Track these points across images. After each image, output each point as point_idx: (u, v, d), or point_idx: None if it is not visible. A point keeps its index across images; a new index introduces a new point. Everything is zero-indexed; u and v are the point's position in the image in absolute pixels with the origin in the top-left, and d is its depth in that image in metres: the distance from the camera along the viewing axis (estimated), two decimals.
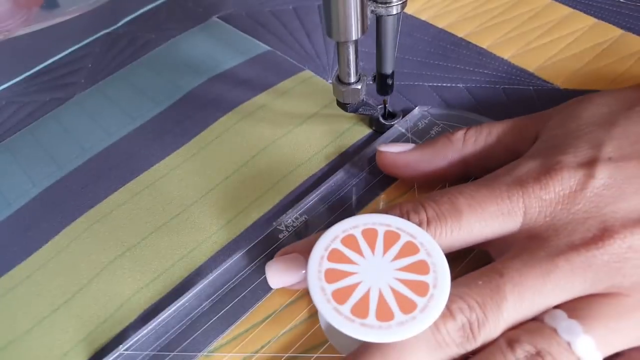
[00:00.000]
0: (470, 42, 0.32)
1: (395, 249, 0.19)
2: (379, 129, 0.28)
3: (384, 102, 0.28)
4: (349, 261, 0.19)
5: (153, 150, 0.29)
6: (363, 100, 0.26)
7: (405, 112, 0.28)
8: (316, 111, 0.29)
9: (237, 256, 0.23)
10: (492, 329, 0.18)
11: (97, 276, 0.24)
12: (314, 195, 0.25)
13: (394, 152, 0.24)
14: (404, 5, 0.24)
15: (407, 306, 0.18)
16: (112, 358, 0.21)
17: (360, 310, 0.18)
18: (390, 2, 0.23)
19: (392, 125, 0.28)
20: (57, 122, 0.32)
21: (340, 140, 0.28)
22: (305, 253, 0.21)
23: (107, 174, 0.28)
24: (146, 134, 0.30)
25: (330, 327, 0.21)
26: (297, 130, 0.29)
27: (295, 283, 0.21)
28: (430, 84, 0.30)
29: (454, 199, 0.20)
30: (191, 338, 0.21)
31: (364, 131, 0.28)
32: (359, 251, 0.19)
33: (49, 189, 0.28)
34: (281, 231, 0.24)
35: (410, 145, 0.24)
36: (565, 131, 0.21)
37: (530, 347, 0.17)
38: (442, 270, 0.18)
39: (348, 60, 0.24)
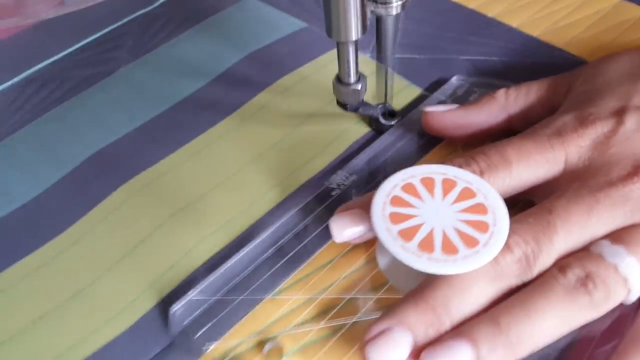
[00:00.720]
0: (500, 22, 0.34)
1: (453, 194, 0.21)
2: (378, 129, 0.29)
3: (384, 102, 0.28)
4: (411, 205, 0.20)
5: (214, 112, 0.30)
6: (363, 100, 0.26)
7: (442, 82, 0.30)
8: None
9: (294, 210, 0.25)
10: (546, 260, 0.20)
11: (159, 228, 0.25)
12: (362, 155, 0.27)
13: (440, 111, 0.26)
14: (404, 5, 0.24)
15: (470, 242, 0.19)
16: (182, 303, 0.22)
17: (426, 246, 0.19)
18: (390, 3, 0.24)
19: (391, 125, 0.28)
20: (104, 92, 0.33)
21: None
22: (366, 208, 0.22)
23: (162, 137, 0.29)
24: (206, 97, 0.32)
25: (391, 268, 0.22)
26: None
27: (358, 237, 0.23)
28: (465, 57, 0.32)
29: (502, 150, 0.22)
30: (256, 283, 0.23)
31: None
32: (419, 196, 0.21)
33: (101, 151, 0.29)
34: (333, 189, 0.26)
35: (454, 106, 0.26)
36: (594, 86, 0.24)
37: (579, 271, 0.19)
38: (500, 210, 0.20)
39: (348, 60, 0.24)
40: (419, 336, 0.19)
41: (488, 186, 0.21)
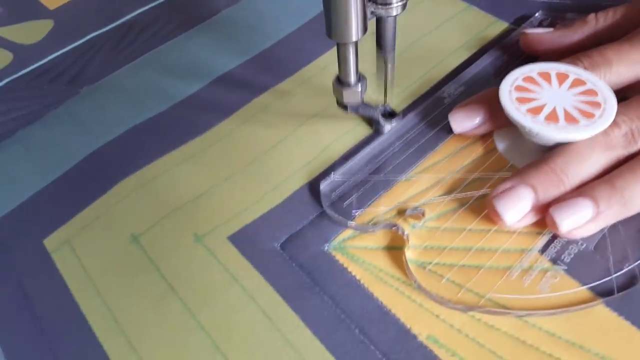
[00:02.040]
0: None
1: (567, 82, 0.25)
2: (378, 130, 0.29)
3: (384, 103, 0.29)
4: (533, 91, 0.25)
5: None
6: (363, 100, 0.27)
7: (526, 17, 0.34)
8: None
9: (412, 113, 0.29)
10: None
11: (300, 127, 0.30)
12: (469, 69, 0.31)
13: (539, 32, 0.30)
14: (404, 6, 0.24)
15: (588, 115, 0.23)
16: (327, 182, 0.26)
17: (552, 118, 0.23)
18: (390, 4, 0.24)
19: (392, 126, 0.29)
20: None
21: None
22: (482, 102, 0.27)
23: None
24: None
25: (511, 148, 0.26)
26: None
27: (475, 127, 0.26)
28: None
29: (603, 51, 0.26)
30: (390, 167, 0.27)
31: None
32: (538, 85, 0.25)
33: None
34: (445, 97, 0.30)
35: (550, 29, 0.30)
36: None
37: None
38: (608, 93, 0.24)
39: (348, 61, 0.25)
40: (541, 194, 0.23)
41: (595, 77, 0.25)
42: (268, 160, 0.28)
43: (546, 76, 0.25)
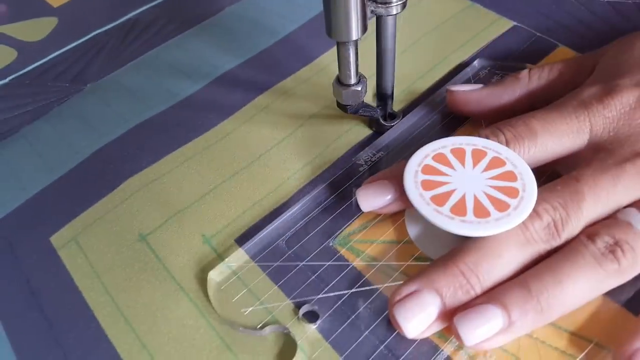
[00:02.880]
0: None
1: (483, 162, 0.22)
2: (379, 130, 0.29)
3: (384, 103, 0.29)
4: (442, 173, 0.22)
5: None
6: (363, 101, 0.27)
7: (464, 65, 0.31)
8: None
9: (323, 185, 0.26)
10: (574, 226, 0.20)
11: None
12: (389, 134, 0.28)
13: (464, 90, 0.27)
14: (404, 5, 0.24)
15: (501, 206, 0.20)
16: (217, 271, 0.23)
17: (459, 210, 0.20)
18: (390, 2, 0.24)
19: (392, 126, 0.28)
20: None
21: None
22: (392, 179, 0.23)
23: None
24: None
25: (421, 236, 0.23)
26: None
27: (383, 206, 0.24)
28: None
29: (528, 121, 0.23)
30: (290, 251, 0.24)
31: None
32: (450, 165, 0.22)
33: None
34: (360, 165, 0.27)
35: (479, 85, 0.27)
36: (620, 61, 0.24)
37: (608, 238, 0.20)
38: (528, 177, 0.21)
39: (348, 61, 0.24)
40: (448, 299, 0.20)
41: (516, 155, 0.22)
42: (271, 158, 0.29)
43: (460, 154, 0.22)
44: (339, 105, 0.27)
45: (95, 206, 0.28)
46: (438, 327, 0.20)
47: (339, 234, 0.24)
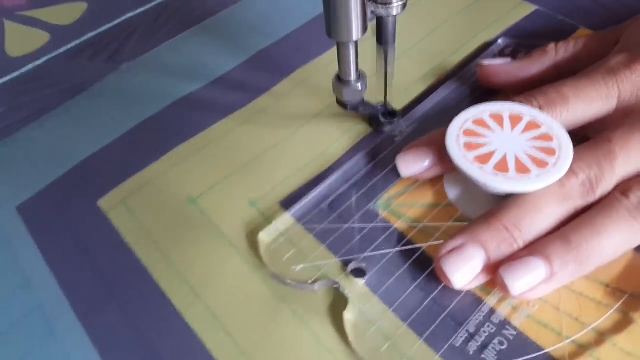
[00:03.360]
0: None
1: (521, 125, 0.23)
2: (379, 128, 0.29)
3: (384, 102, 0.29)
4: (483, 136, 0.23)
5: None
6: (363, 99, 0.27)
7: (489, 44, 0.32)
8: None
9: (362, 153, 0.27)
10: (608, 183, 0.22)
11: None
12: (421, 106, 0.29)
13: (495, 64, 0.28)
14: (404, 6, 0.24)
15: (540, 163, 0.21)
16: (268, 231, 0.25)
17: (501, 168, 0.21)
18: (390, 3, 0.24)
19: (391, 124, 0.29)
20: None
21: None
22: (430, 145, 0.25)
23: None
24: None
25: (461, 197, 0.25)
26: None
27: (424, 171, 0.25)
28: None
29: (559, 88, 0.24)
30: (335, 213, 0.25)
31: None
32: (489, 128, 0.23)
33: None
34: (395, 136, 0.28)
35: (508, 59, 0.28)
36: None
37: None
38: (564, 138, 0.22)
39: (348, 59, 0.25)
40: (492, 253, 0.21)
41: (551, 119, 0.23)
42: (312, 129, 0.30)
43: (498, 118, 0.23)
44: (339, 103, 0.27)
45: (142, 172, 0.29)
46: (482, 280, 0.22)
47: (379, 198, 0.26)
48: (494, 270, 0.21)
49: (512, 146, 0.22)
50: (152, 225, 0.26)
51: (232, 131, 0.30)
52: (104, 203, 0.28)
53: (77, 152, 0.31)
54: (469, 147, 0.22)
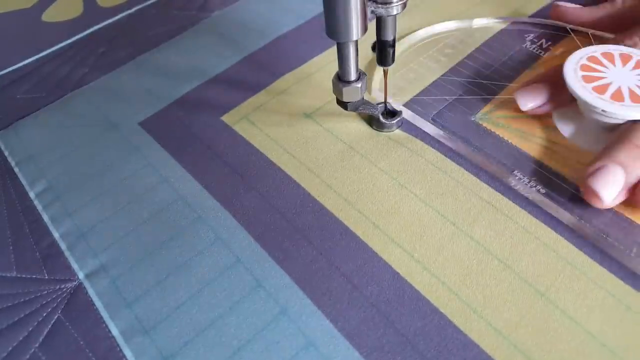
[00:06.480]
0: None
1: (631, 63, 0.26)
2: (379, 128, 0.29)
3: (384, 102, 0.29)
4: (598, 71, 0.26)
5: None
6: (363, 98, 0.27)
7: None
8: None
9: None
10: None
11: None
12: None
13: (568, 7, 0.33)
14: (404, 5, 0.24)
15: None
16: None
17: (617, 97, 0.25)
18: (390, 3, 0.24)
19: (392, 124, 0.29)
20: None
21: None
22: (546, 82, 0.28)
23: None
24: None
25: (576, 130, 0.28)
26: None
27: (539, 106, 0.28)
28: None
29: None
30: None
31: None
32: (603, 65, 0.26)
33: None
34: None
35: (578, 6, 0.33)
36: None
37: None
38: None
39: (348, 59, 0.25)
40: (631, 172, 0.24)
41: None
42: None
43: (610, 57, 0.26)
44: (339, 102, 0.27)
45: (259, 94, 0.32)
46: (622, 197, 0.24)
47: (478, 111, 0.29)
48: (632, 190, 0.24)
49: (625, 79, 0.25)
50: (276, 134, 0.29)
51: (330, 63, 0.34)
52: (228, 118, 0.31)
53: (191, 77, 0.34)
54: (587, 79, 0.26)
